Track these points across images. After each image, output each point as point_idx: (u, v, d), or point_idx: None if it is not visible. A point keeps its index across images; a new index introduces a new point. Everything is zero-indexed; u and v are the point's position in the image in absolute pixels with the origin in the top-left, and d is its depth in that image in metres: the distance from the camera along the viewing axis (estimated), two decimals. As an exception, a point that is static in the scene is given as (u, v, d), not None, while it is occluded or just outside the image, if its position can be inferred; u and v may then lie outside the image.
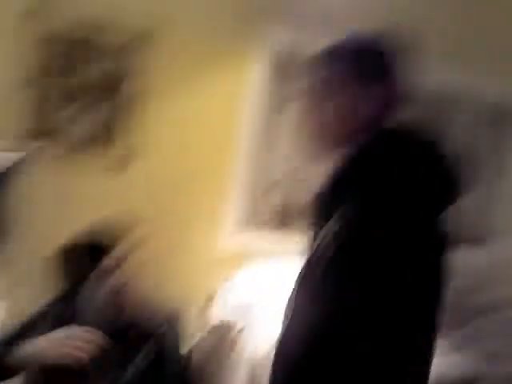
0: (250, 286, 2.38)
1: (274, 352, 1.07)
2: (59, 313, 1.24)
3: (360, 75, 1.02)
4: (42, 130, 2.24)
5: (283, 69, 2.73)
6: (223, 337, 2.10)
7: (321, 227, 0.99)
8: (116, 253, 1.30)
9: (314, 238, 1.02)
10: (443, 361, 2.26)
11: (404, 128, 1.03)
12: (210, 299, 2.44)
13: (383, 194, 0.91)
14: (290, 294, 1.10)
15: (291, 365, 0.97)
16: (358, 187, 0.94)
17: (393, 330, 0.93)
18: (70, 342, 1.00)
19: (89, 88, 2.26)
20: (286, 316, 1.06)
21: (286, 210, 2.83)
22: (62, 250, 1.34)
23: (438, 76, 2.70)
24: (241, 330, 2.07)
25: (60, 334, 1.03)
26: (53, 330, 1.08)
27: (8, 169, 1.86)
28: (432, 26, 2.51)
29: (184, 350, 1.41)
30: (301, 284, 1.03)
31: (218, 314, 2.25)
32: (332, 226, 0.93)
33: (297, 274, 1.09)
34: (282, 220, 2.82)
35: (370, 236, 0.90)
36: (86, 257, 1.29)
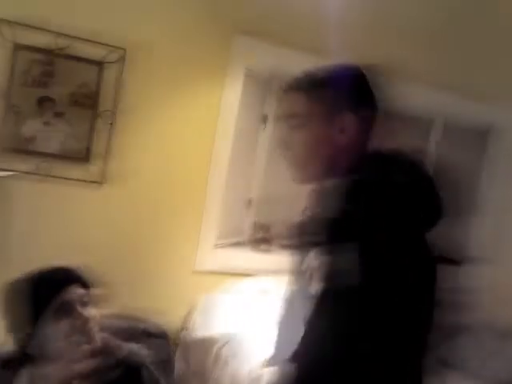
0: (230, 303, 2.36)
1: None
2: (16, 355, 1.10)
3: (331, 104, 1.01)
4: (14, 144, 2.13)
5: (261, 87, 2.75)
6: (206, 352, 2.06)
7: (308, 251, 1.00)
8: (76, 289, 1.12)
9: (302, 260, 1.02)
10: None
11: (388, 151, 1.03)
12: (190, 315, 2.40)
13: (371, 214, 0.91)
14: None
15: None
16: (354, 214, 0.93)
17: (393, 349, 0.94)
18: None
19: (65, 101, 2.19)
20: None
21: (262, 228, 2.83)
22: (12, 285, 1.14)
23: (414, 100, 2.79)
24: (223, 345, 2.04)
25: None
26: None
27: None
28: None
29: (167, 365, 1.36)
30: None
31: (199, 329, 2.22)
32: (339, 257, 0.93)
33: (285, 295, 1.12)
34: (259, 239, 2.81)
35: (379, 269, 0.90)
36: (41, 292, 1.10)
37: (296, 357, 1.00)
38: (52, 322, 1.06)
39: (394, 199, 0.93)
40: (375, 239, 0.91)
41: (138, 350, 1.22)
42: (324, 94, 1.01)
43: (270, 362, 1.14)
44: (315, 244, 0.98)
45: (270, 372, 1.13)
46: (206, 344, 2.08)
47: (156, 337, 1.42)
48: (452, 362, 2.54)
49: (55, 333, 1.06)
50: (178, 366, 2.26)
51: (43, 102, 2.17)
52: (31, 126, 2.16)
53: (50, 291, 1.08)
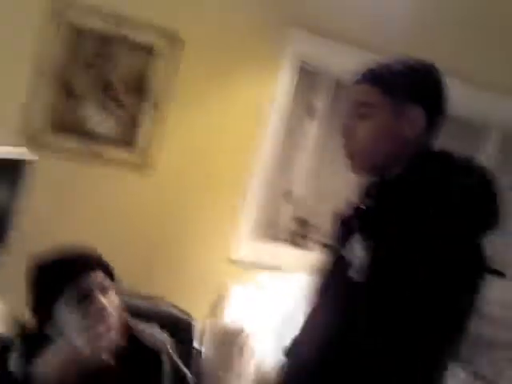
0: (259, 295, 2.37)
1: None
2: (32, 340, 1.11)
3: (403, 98, 1.00)
4: (63, 125, 2.20)
5: (309, 79, 2.72)
6: (232, 342, 2.08)
7: (345, 246, 0.98)
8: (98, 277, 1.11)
9: (337, 254, 1.01)
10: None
11: (447, 152, 1.02)
12: (220, 305, 2.43)
13: (428, 215, 0.91)
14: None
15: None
16: (402, 208, 0.94)
17: (418, 346, 0.92)
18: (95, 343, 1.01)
19: (119, 86, 2.24)
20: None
21: (301, 223, 2.82)
22: (36, 265, 1.14)
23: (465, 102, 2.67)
24: (250, 336, 2.05)
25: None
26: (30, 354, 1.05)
27: (22, 164, 1.76)
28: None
29: (193, 355, 1.38)
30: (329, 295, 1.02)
31: (227, 318, 2.24)
32: (373, 244, 0.94)
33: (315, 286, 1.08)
34: (296, 233, 2.80)
35: (412, 255, 0.90)
36: (61, 276, 1.09)
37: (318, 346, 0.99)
38: (70, 308, 1.07)
39: (452, 200, 0.92)
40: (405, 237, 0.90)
41: (159, 334, 1.24)
42: (396, 86, 1.01)
43: (285, 351, 1.14)
44: (356, 234, 0.97)
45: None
46: (234, 333, 2.10)
47: (181, 322, 1.45)
48: (485, 376, 2.46)
49: (73, 319, 1.07)
50: (204, 352, 2.30)
51: (101, 86, 2.23)
52: (86, 109, 2.23)
53: (69, 276, 1.08)
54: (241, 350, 2.00)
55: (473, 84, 2.71)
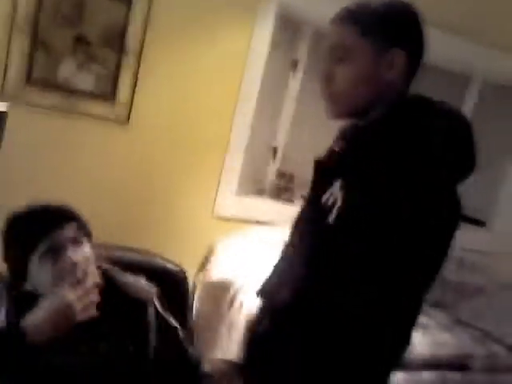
0: (248, 249, 2.38)
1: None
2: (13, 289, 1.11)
3: (383, 39, 0.96)
4: (43, 79, 2.11)
5: (290, 29, 2.65)
6: (221, 295, 2.10)
7: (324, 192, 0.96)
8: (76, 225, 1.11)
9: (315, 200, 0.99)
10: (440, 336, 2.29)
11: (424, 97, 0.99)
12: (208, 259, 2.44)
13: (406, 157, 0.89)
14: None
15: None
16: (380, 151, 0.92)
17: (392, 283, 0.92)
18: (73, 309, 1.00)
19: (95, 41, 2.14)
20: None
21: (286, 177, 2.81)
22: (10, 220, 1.14)
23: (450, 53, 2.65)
24: (239, 289, 2.07)
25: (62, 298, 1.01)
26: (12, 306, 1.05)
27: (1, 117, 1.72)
28: None
29: (182, 303, 1.37)
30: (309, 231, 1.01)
31: (216, 273, 2.25)
32: (347, 187, 0.92)
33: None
34: (282, 188, 2.80)
35: (388, 196, 0.88)
36: (32, 229, 1.09)
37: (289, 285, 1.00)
38: (41, 264, 1.07)
39: (428, 143, 0.90)
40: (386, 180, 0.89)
41: (144, 285, 1.22)
42: (375, 27, 0.96)
43: (258, 292, 1.15)
44: (336, 177, 0.95)
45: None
46: (223, 287, 2.12)
47: (172, 274, 1.44)
48: (466, 321, 2.55)
49: (45, 276, 1.07)
50: (195, 306, 2.32)
51: (78, 42, 2.13)
52: (63, 66, 2.14)
53: (42, 230, 1.07)
54: (231, 302, 2.02)
55: (454, 33, 2.70)
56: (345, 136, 1.04)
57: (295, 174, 2.82)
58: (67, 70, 2.15)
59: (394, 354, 1.01)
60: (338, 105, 1.01)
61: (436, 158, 0.90)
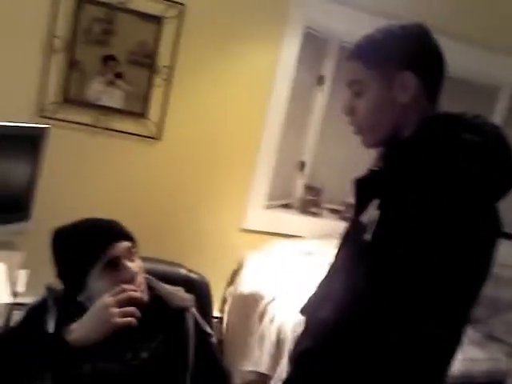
0: (277, 262, 2.40)
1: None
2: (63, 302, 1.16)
3: (387, 66, 0.98)
4: (78, 97, 2.20)
5: (319, 47, 2.68)
6: (252, 307, 2.12)
7: (362, 210, 0.98)
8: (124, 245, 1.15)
9: (356, 219, 1.01)
10: (473, 352, 2.25)
11: (454, 112, 0.99)
12: (237, 272, 2.46)
13: (440, 174, 0.89)
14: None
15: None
16: (414, 170, 0.93)
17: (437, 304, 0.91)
18: (109, 311, 1.04)
19: (125, 60, 2.22)
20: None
21: (313, 192, 2.82)
22: (64, 238, 1.17)
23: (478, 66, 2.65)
24: (269, 302, 2.09)
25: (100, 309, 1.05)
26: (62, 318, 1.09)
27: (39, 137, 1.79)
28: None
29: (207, 313, 1.39)
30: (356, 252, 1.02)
31: (246, 286, 2.27)
32: (384, 205, 0.94)
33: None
34: (309, 202, 2.81)
35: (424, 215, 0.88)
36: (89, 245, 1.13)
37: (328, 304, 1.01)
38: (101, 276, 1.11)
39: (463, 159, 0.89)
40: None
41: (183, 294, 1.26)
42: (381, 55, 0.99)
43: (301, 310, 1.15)
44: (374, 196, 0.97)
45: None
46: (253, 300, 2.13)
47: (197, 284, 1.46)
48: (499, 337, 2.50)
49: (104, 287, 1.10)
50: (225, 319, 2.34)
51: (107, 61, 2.22)
52: (94, 84, 2.23)
53: (99, 247, 1.11)
54: (261, 315, 2.04)
55: (481, 47, 2.70)
56: (382, 156, 1.06)
57: (322, 187, 2.83)
58: (97, 88, 2.23)
59: (439, 371, 1.01)
60: (366, 135, 1.05)
61: (472, 174, 0.89)
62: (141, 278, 1.15)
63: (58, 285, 1.20)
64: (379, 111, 1.01)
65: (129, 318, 1.04)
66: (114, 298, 1.05)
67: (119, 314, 1.04)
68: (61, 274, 1.16)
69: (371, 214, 0.95)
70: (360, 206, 1.01)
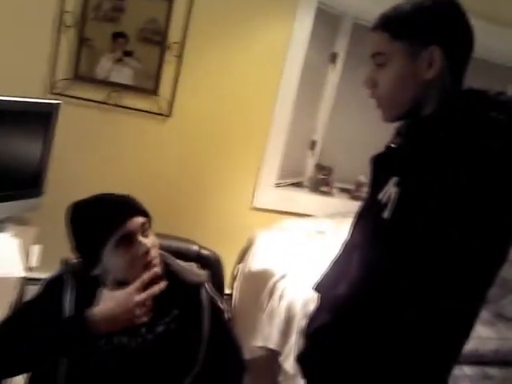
0: (287, 240, 2.40)
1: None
2: (79, 274, 1.18)
3: (415, 39, 0.95)
4: (85, 75, 2.20)
5: (332, 24, 2.64)
6: (262, 284, 2.13)
7: (381, 188, 0.96)
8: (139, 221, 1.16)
9: (373, 196, 0.99)
10: (483, 331, 2.25)
11: (478, 89, 0.97)
12: (248, 249, 2.47)
13: (461, 152, 0.88)
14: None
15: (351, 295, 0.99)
16: (434, 147, 0.91)
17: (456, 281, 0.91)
18: (136, 312, 1.07)
19: (135, 37, 2.21)
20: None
21: (324, 171, 2.81)
22: (75, 208, 1.18)
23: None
24: (279, 279, 2.10)
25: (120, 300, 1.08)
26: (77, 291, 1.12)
27: (51, 112, 1.78)
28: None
29: (219, 289, 1.41)
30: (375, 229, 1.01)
31: (256, 263, 2.28)
32: (402, 182, 0.93)
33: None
34: (319, 180, 2.80)
35: (444, 192, 0.88)
36: (105, 220, 1.14)
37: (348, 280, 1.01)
38: (115, 251, 1.12)
39: (486, 136, 0.88)
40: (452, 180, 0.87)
41: (197, 270, 1.27)
42: (406, 29, 0.96)
43: (314, 287, 1.16)
44: (392, 174, 0.95)
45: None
46: (263, 277, 2.15)
47: (209, 261, 1.47)
48: (508, 316, 2.49)
49: (119, 261, 1.12)
50: (235, 296, 2.37)
51: (116, 38, 2.21)
52: (104, 61, 2.22)
53: (116, 222, 1.12)
54: (271, 292, 2.05)
55: (496, 24, 2.63)
56: (401, 132, 1.04)
57: (333, 166, 2.82)
58: (106, 65, 2.23)
59: (454, 348, 1.00)
60: (386, 109, 1.02)
61: (493, 151, 0.88)
62: (155, 252, 1.16)
63: (73, 259, 1.21)
64: (401, 85, 0.98)
65: (148, 314, 1.10)
66: (142, 294, 1.08)
67: (145, 312, 1.09)
68: (76, 248, 1.17)
69: (390, 191, 0.94)
70: (377, 183, 1.00)
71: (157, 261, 1.16)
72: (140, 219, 1.15)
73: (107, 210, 1.16)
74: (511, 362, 2.31)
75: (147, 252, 1.13)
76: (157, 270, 1.14)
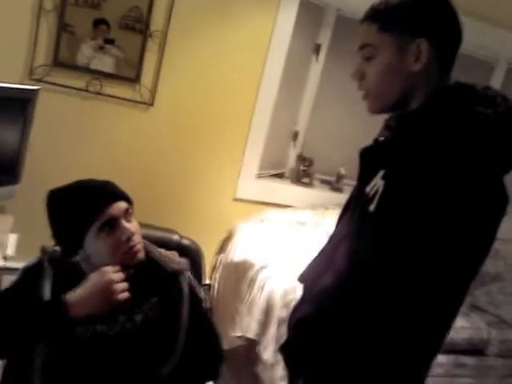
0: (268, 231, 2.41)
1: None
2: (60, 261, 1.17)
3: (403, 32, 0.96)
4: (65, 62, 2.16)
5: (312, 14, 2.63)
6: (242, 275, 2.14)
7: (368, 179, 0.98)
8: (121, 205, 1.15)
9: (362, 188, 1.00)
10: (457, 321, 2.31)
11: (465, 83, 0.98)
12: (228, 240, 2.48)
13: (447, 146, 0.89)
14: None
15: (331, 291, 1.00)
16: (421, 140, 0.92)
17: (433, 275, 0.92)
18: (112, 288, 1.07)
19: (116, 25, 2.17)
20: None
21: (305, 162, 2.82)
22: (61, 199, 1.16)
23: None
24: (259, 270, 2.11)
25: (96, 282, 1.07)
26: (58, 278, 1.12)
27: (29, 99, 1.75)
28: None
29: (198, 277, 1.41)
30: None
31: (237, 253, 2.29)
32: (389, 175, 0.93)
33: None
34: (301, 172, 2.82)
35: (429, 185, 0.89)
36: (87, 205, 1.12)
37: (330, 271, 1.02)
38: (98, 236, 1.11)
39: (473, 130, 0.89)
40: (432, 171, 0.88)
41: (178, 258, 1.27)
42: (394, 21, 0.97)
43: (299, 278, 1.17)
44: (380, 167, 0.96)
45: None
46: (243, 267, 2.16)
47: (189, 250, 1.48)
48: (481, 307, 2.56)
49: (102, 246, 1.11)
50: (215, 286, 2.37)
51: (98, 25, 2.17)
52: (85, 48, 2.18)
53: (97, 207, 1.11)
54: (251, 282, 2.07)
55: (478, 19, 2.66)
56: (389, 126, 1.05)
57: (315, 158, 2.83)
58: (87, 52, 2.19)
59: (437, 339, 1.01)
60: (373, 100, 1.03)
61: (479, 146, 0.89)
62: (138, 238, 1.15)
63: (52, 246, 1.20)
64: (389, 77, 0.99)
65: (126, 294, 1.08)
66: (116, 274, 1.07)
67: (121, 290, 1.07)
68: (57, 235, 1.16)
69: (377, 184, 0.95)
70: (365, 176, 1.00)
71: (140, 246, 1.15)
72: (123, 204, 1.14)
73: (90, 195, 1.14)
74: (483, 351, 2.38)
75: (131, 237, 1.12)
76: (140, 255, 1.14)
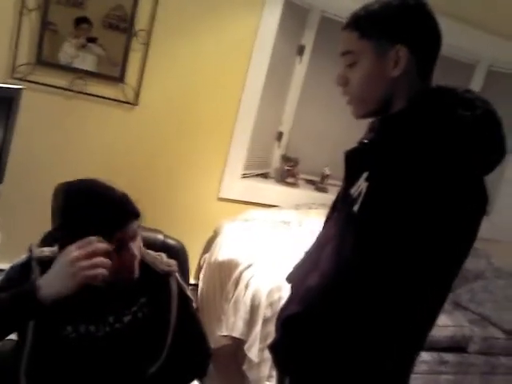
0: (253, 230, 2.42)
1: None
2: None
3: (382, 38, 0.98)
4: (48, 60, 2.14)
5: (300, 17, 2.66)
6: (227, 274, 2.15)
7: (353, 181, 0.99)
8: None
9: (347, 189, 1.02)
10: (439, 318, 2.34)
11: (446, 86, 1.00)
12: (213, 239, 2.48)
13: (428, 148, 0.91)
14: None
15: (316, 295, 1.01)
16: (403, 143, 0.94)
17: (416, 274, 0.93)
18: (79, 265, 0.99)
19: (99, 24, 2.17)
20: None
21: (290, 162, 2.84)
22: (72, 205, 1.11)
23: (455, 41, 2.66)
24: (245, 269, 2.12)
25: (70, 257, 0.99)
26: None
27: (13, 98, 1.71)
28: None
29: (184, 277, 1.41)
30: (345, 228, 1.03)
31: (222, 253, 2.30)
32: (373, 177, 0.95)
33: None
34: (285, 172, 2.83)
35: (412, 186, 0.90)
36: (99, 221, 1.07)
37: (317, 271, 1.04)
38: None
39: (455, 132, 0.91)
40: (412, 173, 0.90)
41: (167, 259, 1.27)
42: (373, 28, 0.99)
43: (287, 278, 1.19)
44: (364, 169, 0.98)
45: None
46: (229, 267, 2.16)
47: (174, 250, 1.47)
48: (465, 305, 2.60)
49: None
50: (200, 286, 2.37)
51: (80, 23, 2.15)
52: (67, 47, 2.17)
53: (112, 225, 1.07)
54: (236, 281, 2.07)
55: (458, 21, 2.70)
56: (373, 128, 1.07)
57: (299, 158, 2.85)
58: (69, 50, 2.17)
59: (420, 337, 1.03)
60: (357, 106, 1.05)
61: (458, 147, 0.90)
62: (137, 262, 1.13)
63: (40, 245, 1.18)
64: (370, 83, 1.01)
65: (99, 270, 0.98)
66: (81, 251, 0.99)
67: (89, 266, 0.98)
68: (61, 231, 1.11)
69: (360, 186, 0.96)
70: (350, 178, 1.02)
71: (137, 266, 1.13)
72: (136, 224, 1.12)
73: (109, 210, 1.10)
74: (465, 348, 2.42)
75: (133, 262, 1.11)
76: (134, 276, 1.12)
